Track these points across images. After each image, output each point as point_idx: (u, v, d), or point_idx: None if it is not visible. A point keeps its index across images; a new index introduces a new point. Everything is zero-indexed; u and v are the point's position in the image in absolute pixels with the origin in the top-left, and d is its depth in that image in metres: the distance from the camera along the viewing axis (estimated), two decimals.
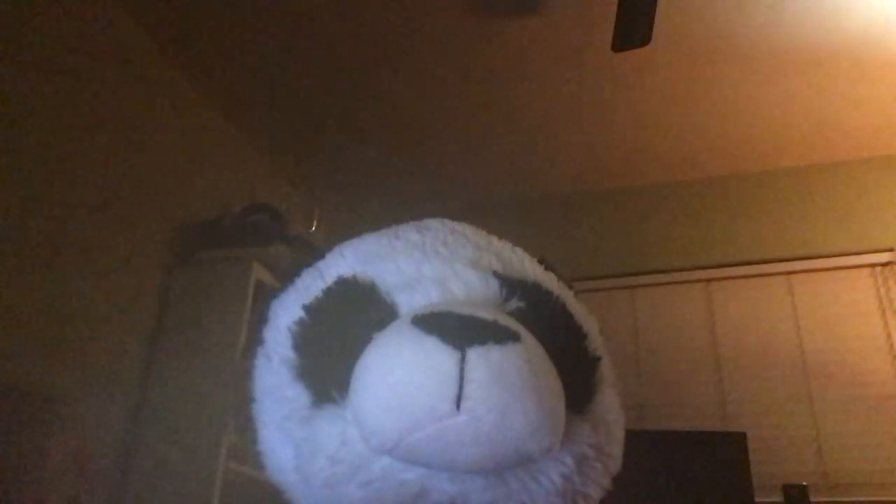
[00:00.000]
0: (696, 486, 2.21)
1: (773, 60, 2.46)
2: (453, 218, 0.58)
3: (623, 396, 0.55)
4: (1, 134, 1.80)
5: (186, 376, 2.14)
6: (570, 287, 0.57)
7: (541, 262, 0.57)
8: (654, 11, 1.97)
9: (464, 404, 0.39)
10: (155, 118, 2.39)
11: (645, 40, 2.06)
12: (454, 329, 0.41)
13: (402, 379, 0.40)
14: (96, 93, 2.14)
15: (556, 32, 2.34)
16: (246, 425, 1.98)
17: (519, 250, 0.57)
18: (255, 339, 0.53)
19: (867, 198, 2.94)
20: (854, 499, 2.52)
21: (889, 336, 2.71)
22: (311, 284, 0.51)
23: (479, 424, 0.39)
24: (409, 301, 0.47)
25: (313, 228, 2.99)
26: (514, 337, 0.42)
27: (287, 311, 0.50)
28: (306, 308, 0.48)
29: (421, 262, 0.50)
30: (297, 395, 0.46)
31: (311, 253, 0.56)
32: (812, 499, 2.26)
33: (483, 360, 0.40)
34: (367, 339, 0.44)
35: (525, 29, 2.33)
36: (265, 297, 0.56)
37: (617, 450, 0.50)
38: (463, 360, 0.40)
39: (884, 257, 2.83)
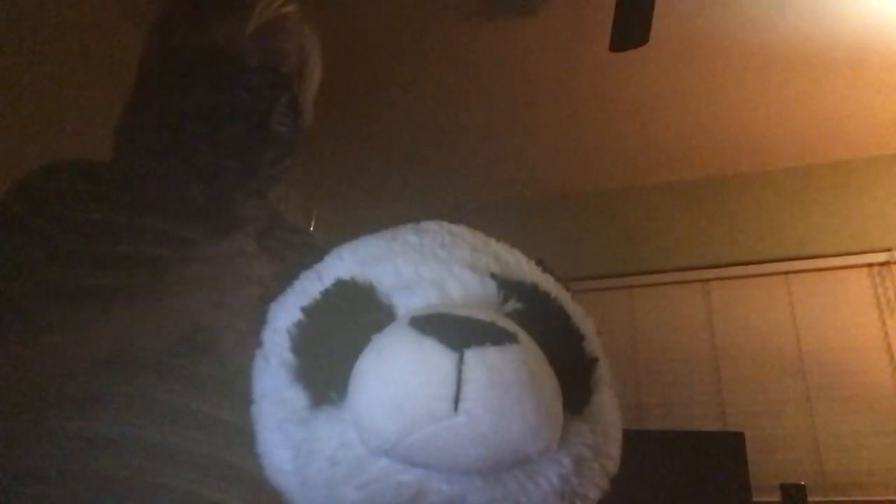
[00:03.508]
0: (694, 485, 2.21)
1: (772, 60, 2.46)
2: (452, 219, 0.58)
3: (621, 396, 0.55)
4: (1, 136, 1.80)
5: None
6: (568, 288, 0.58)
7: (538, 263, 0.58)
8: (652, 12, 1.98)
9: (461, 405, 0.39)
10: None
11: (643, 40, 2.06)
12: (451, 330, 0.41)
13: (399, 380, 0.40)
14: (95, 93, 2.13)
15: (555, 33, 2.34)
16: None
17: (516, 252, 0.57)
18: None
19: (865, 198, 2.94)
20: (852, 498, 2.52)
21: (886, 335, 2.72)
22: (310, 287, 0.51)
23: (476, 425, 0.39)
24: (407, 303, 0.47)
25: (311, 229, 2.99)
26: (511, 338, 0.42)
27: (285, 314, 0.51)
28: (304, 310, 0.48)
29: (419, 264, 0.50)
30: (296, 396, 0.46)
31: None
32: (810, 498, 2.27)
33: (480, 362, 0.40)
34: (365, 340, 0.44)
35: (524, 29, 2.33)
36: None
37: (614, 450, 0.50)
38: (460, 361, 0.40)
39: (881, 257, 2.83)
